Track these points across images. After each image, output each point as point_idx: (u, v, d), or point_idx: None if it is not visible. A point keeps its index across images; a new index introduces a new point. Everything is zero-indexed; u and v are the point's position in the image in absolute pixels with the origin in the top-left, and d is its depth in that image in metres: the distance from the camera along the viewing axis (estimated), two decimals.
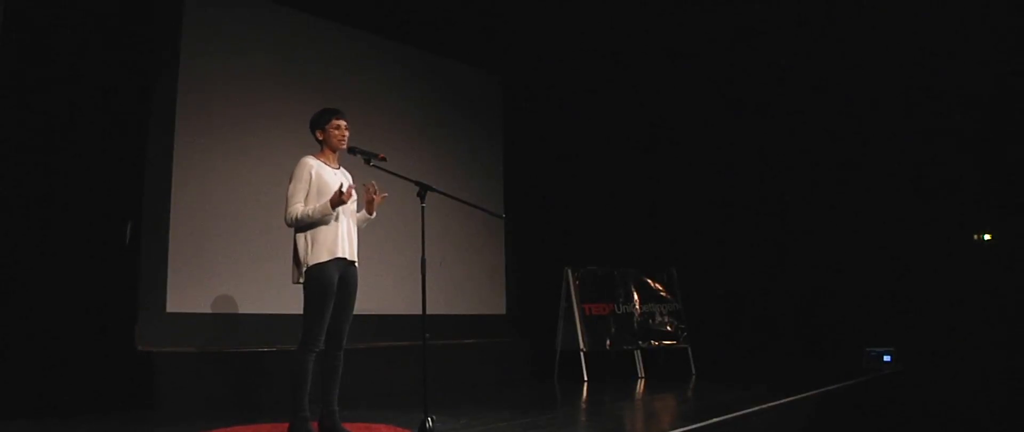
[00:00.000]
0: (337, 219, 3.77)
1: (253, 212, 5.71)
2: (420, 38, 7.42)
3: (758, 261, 8.99)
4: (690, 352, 7.59)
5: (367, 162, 3.91)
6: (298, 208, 3.73)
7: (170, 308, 5.35)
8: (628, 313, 7.56)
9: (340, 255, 3.76)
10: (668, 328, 7.66)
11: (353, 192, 3.77)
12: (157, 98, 5.46)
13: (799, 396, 5.48)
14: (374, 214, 3.98)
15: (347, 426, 3.88)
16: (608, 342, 7.37)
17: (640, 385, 6.78)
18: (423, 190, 3.92)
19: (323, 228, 3.73)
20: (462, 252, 7.45)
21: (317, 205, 3.72)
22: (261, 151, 5.91)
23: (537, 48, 8.25)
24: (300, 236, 3.76)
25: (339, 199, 3.67)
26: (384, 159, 3.91)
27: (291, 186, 3.77)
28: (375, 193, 3.90)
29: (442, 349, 5.93)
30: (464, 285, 7.48)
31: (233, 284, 5.71)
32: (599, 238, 8.47)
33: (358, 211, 3.96)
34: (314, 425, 3.76)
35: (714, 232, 9.15)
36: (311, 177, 3.77)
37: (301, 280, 3.75)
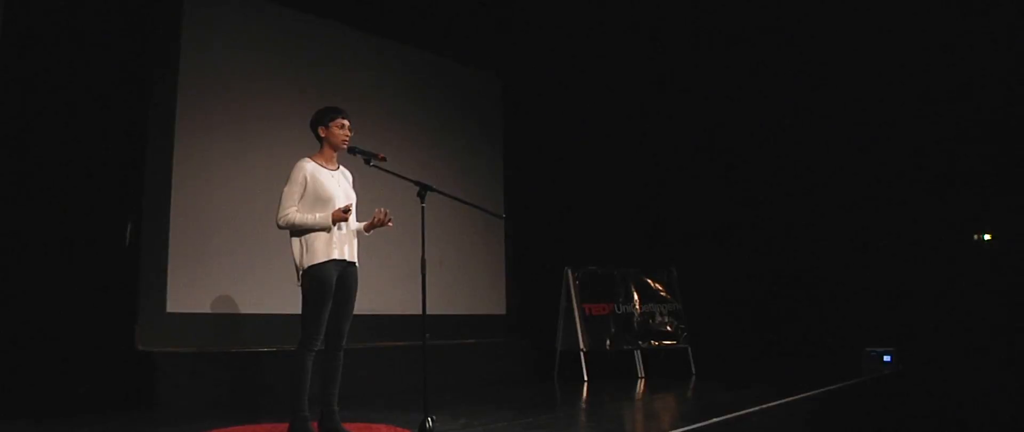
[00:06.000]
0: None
1: (253, 212, 5.70)
2: (420, 38, 7.42)
3: (758, 261, 8.99)
4: (690, 352, 7.59)
5: (367, 162, 3.91)
6: (291, 214, 3.72)
7: (170, 308, 5.35)
8: (628, 313, 7.56)
9: (336, 257, 3.75)
10: (668, 328, 7.66)
11: (353, 203, 3.82)
12: (157, 98, 5.46)
13: (799, 396, 5.48)
14: (369, 233, 3.97)
15: (347, 426, 3.88)
16: (608, 342, 7.37)
17: (640, 385, 6.77)
18: (423, 190, 3.92)
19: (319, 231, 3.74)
20: (462, 252, 7.45)
21: (317, 216, 3.71)
22: (261, 151, 5.91)
23: (537, 48, 8.25)
24: (295, 240, 3.77)
25: (342, 216, 3.69)
26: (384, 159, 3.91)
27: (285, 188, 3.76)
28: (385, 220, 3.85)
29: (442, 349, 5.93)
30: (464, 285, 7.48)
31: (233, 284, 5.71)
32: (599, 238, 8.47)
33: (356, 223, 3.95)
34: (314, 425, 3.76)
35: (714, 232, 9.15)
36: (306, 180, 3.76)
37: (299, 282, 3.75)
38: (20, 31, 4.80)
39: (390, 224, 3.87)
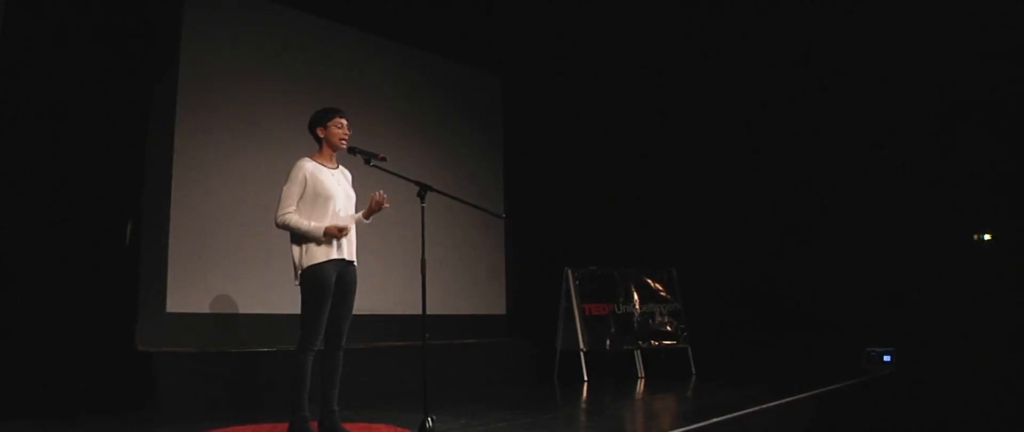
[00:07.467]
0: (332, 221, 3.77)
1: (253, 212, 5.71)
2: (420, 38, 7.42)
3: (758, 261, 8.99)
4: (690, 352, 7.59)
5: (367, 162, 3.92)
6: (290, 215, 3.73)
7: (170, 308, 5.35)
8: (628, 313, 7.56)
9: (336, 256, 3.76)
10: (668, 328, 7.66)
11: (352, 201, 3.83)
12: (157, 98, 5.46)
13: (799, 396, 5.48)
14: (370, 220, 3.98)
15: (347, 426, 3.88)
16: (608, 342, 7.37)
17: (640, 385, 6.77)
18: (423, 190, 3.92)
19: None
20: (462, 252, 7.45)
21: (312, 225, 3.70)
22: (261, 151, 5.91)
23: (537, 48, 8.25)
24: (294, 240, 3.77)
25: (336, 233, 3.68)
26: (384, 159, 3.92)
27: (285, 188, 3.77)
28: (383, 202, 3.90)
29: (442, 349, 5.93)
30: (464, 285, 7.48)
31: (233, 284, 5.71)
32: (599, 238, 8.47)
33: (355, 213, 3.97)
34: (314, 425, 3.76)
35: (714, 232, 9.15)
36: (306, 180, 3.77)
37: (297, 282, 3.75)
38: (20, 30, 4.80)
39: (387, 204, 3.89)
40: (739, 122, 9.13)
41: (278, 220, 3.75)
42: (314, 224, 3.72)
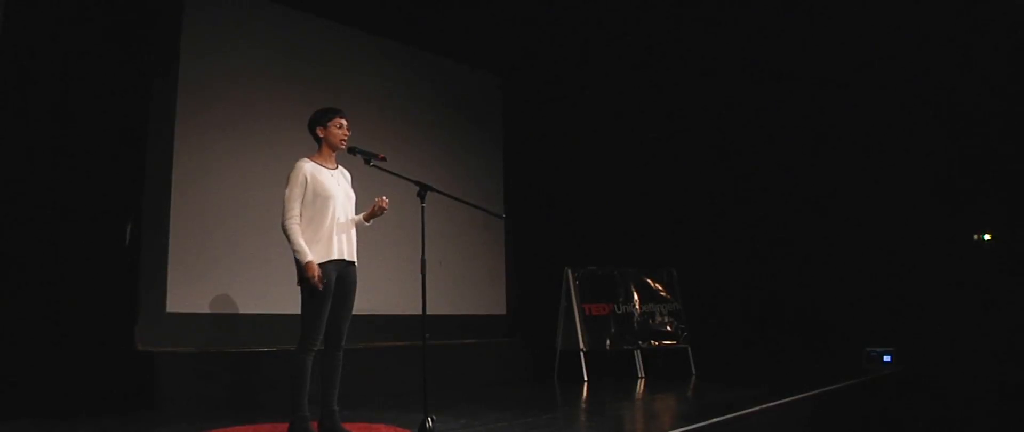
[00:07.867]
0: (332, 221, 3.78)
1: (253, 212, 5.71)
2: (420, 38, 7.41)
3: (758, 261, 8.99)
4: (690, 352, 7.59)
5: (367, 162, 3.92)
6: (293, 224, 3.72)
7: (170, 308, 5.35)
8: (628, 313, 7.56)
9: (336, 257, 3.77)
10: (668, 328, 7.66)
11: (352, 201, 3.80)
12: (157, 98, 5.46)
13: (799, 396, 5.48)
14: (370, 223, 3.99)
15: (347, 426, 3.88)
16: (608, 342, 7.37)
17: (640, 385, 6.77)
18: (423, 190, 3.92)
19: (318, 231, 3.75)
20: (462, 252, 7.45)
21: (304, 249, 3.67)
22: (261, 151, 5.91)
23: (537, 48, 8.25)
24: None
25: (314, 280, 3.64)
26: (384, 159, 3.92)
27: (287, 191, 3.77)
28: (385, 207, 3.93)
29: (442, 349, 5.93)
30: (464, 285, 7.48)
31: (233, 284, 5.71)
32: (599, 238, 8.47)
33: (355, 215, 3.98)
34: (314, 425, 3.76)
35: (714, 232, 9.15)
36: (307, 181, 3.77)
37: (299, 282, 3.75)
38: (20, 30, 4.80)
39: (386, 202, 3.91)
40: (740, 122, 9.14)
41: (283, 225, 3.76)
42: (306, 249, 3.68)
